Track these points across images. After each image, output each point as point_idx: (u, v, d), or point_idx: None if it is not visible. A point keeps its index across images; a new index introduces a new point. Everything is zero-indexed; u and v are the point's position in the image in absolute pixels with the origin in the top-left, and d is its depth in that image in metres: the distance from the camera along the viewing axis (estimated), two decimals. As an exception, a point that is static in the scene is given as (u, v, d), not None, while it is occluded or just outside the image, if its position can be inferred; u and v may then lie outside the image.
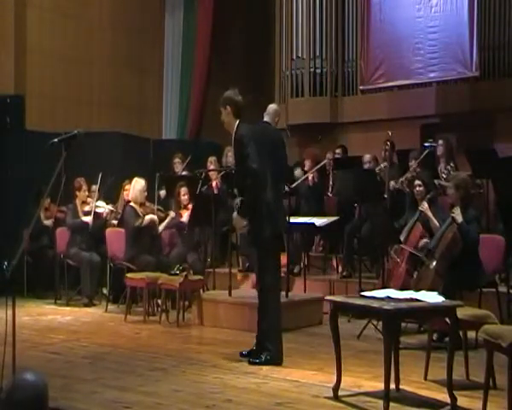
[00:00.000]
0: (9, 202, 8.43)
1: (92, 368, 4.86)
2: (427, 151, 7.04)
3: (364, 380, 4.42)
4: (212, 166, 8.43)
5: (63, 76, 10.15)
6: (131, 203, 7.47)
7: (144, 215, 7.44)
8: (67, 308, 7.53)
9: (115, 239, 7.47)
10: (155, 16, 11.36)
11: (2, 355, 3.38)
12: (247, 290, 7.05)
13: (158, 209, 7.66)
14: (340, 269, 7.59)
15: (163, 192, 8.33)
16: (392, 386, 3.97)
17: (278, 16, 10.50)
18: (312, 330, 6.15)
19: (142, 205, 7.53)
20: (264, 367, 4.78)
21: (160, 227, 7.56)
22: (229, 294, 6.48)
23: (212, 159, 8.58)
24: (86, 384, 4.40)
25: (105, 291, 7.84)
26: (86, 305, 7.60)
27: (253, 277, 6.92)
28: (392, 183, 6.95)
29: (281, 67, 10.37)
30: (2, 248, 7.41)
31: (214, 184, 8.31)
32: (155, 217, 7.44)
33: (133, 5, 11.02)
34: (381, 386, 3.83)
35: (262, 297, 4.94)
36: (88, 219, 7.82)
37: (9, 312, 3.46)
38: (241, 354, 5.02)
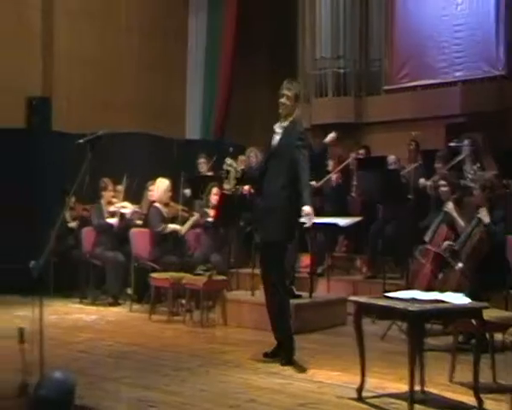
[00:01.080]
0: (36, 203, 8.53)
1: (117, 367, 4.90)
2: (461, 157, 6.90)
3: (389, 382, 4.39)
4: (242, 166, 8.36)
5: (89, 78, 10.27)
6: (156, 204, 7.52)
7: (169, 216, 7.48)
8: (93, 307, 7.60)
9: (140, 239, 7.52)
10: (180, 18, 11.43)
11: (30, 353, 3.44)
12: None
13: (182, 209, 7.70)
14: (364, 270, 7.56)
15: (187, 192, 8.36)
16: (417, 388, 3.94)
17: (301, 16, 10.50)
18: (336, 330, 6.13)
19: (166, 205, 7.58)
20: (288, 368, 4.78)
21: (184, 228, 7.59)
22: (252, 294, 6.49)
23: (241, 158, 8.52)
24: (112, 383, 4.44)
25: (130, 291, 7.89)
26: (111, 304, 7.67)
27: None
28: (421, 180, 6.88)
29: (304, 67, 10.36)
30: (30, 248, 7.53)
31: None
32: (179, 227, 7.46)
33: (158, 8, 11.11)
34: (405, 388, 3.81)
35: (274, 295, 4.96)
36: (113, 220, 7.89)
37: (37, 310, 3.51)
38: (265, 355, 5.02)
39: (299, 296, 6.27)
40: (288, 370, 4.75)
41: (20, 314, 6.58)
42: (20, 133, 8.84)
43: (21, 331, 3.49)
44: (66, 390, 2.76)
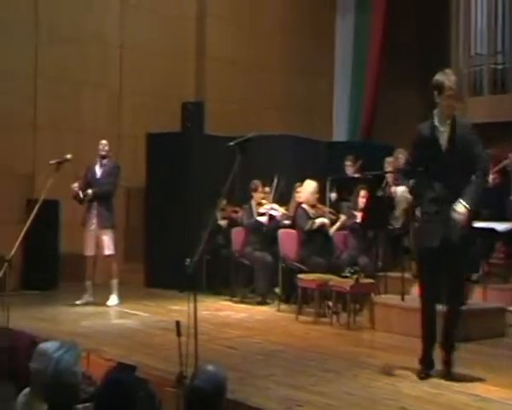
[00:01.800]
0: (191, 204, 8.91)
1: (265, 364, 4.99)
2: None
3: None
4: (389, 168, 8.23)
5: (238, 82, 10.59)
6: (303, 205, 7.57)
7: (316, 217, 7.50)
8: (242, 305, 7.78)
9: (287, 240, 7.61)
10: (326, 18, 11.44)
11: (185, 346, 3.60)
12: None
13: (329, 212, 7.68)
14: (523, 278, 7.09)
15: (334, 195, 8.33)
16: None
17: (455, 12, 10.07)
18: (494, 342, 5.78)
19: (313, 207, 7.61)
20: (438, 376, 4.58)
21: (332, 229, 7.57)
22: (402, 299, 6.32)
23: (388, 160, 8.35)
24: (260, 380, 4.52)
25: (277, 290, 8.02)
26: (259, 303, 7.82)
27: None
28: None
29: (458, 64, 9.92)
30: (185, 246, 7.90)
31: (393, 188, 8.08)
32: (326, 220, 7.45)
33: (304, 8, 11.20)
34: None
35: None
36: (263, 219, 8.04)
37: (191, 306, 3.66)
38: (423, 363, 4.71)
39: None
40: (439, 379, 4.55)
41: (175, 308, 6.96)
42: (176, 137, 9.28)
43: (178, 325, 3.66)
44: (219, 383, 2.85)
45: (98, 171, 7.64)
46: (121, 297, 7.56)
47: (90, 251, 7.54)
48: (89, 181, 7.59)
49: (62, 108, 9.16)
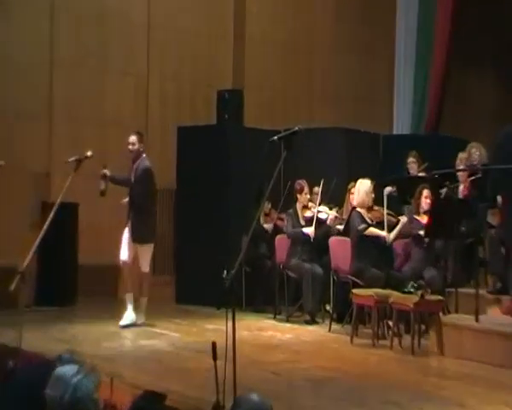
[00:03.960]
0: (228, 207, 8.94)
1: (314, 394, 4.95)
2: None
3: None
4: (461, 166, 8.09)
5: (282, 67, 10.59)
6: (358, 208, 7.50)
7: (373, 221, 7.41)
8: (287, 325, 7.77)
9: (339, 249, 7.55)
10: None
11: (223, 370, 3.58)
12: (498, 316, 6.70)
13: (388, 214, 7.58)
14: None
15: (389, 189, 8.14)
16: None
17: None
18: None
19: (369, 210, 7.52)
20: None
21: (391, 235, 7.48)
22: (476, 319, 6.20)
23: (462, 156, 8.16)
24: (309, 412, 4.50)
25: (328, 308, 7.95)
26: (308, 322, 7.79)
27: (506, 301, 6.56)
28: None
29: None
30: (222, 254, 7.94)
31: (462, 187, 7.95)
32: (383, 233, 7.34)
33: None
34: None
35: None
36: (309, 229, 7.97)
37: (229, 325, 3.63)
38: None
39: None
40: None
41: (211, 328, 6.98)
42: (211, 130, 9.32)
43: (214, 347, 3.64)
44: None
45: (132, 174, 7.42)
46: (148, 315, 7.60)
47: (124, 255, 7.39)
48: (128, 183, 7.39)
49: (82, 98, 9.29)
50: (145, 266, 7.50)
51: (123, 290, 7.66)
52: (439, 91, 10.68)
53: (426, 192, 7.49)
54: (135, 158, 7.43)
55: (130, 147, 7.40)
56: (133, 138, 7.42)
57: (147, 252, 7.49)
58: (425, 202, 7.47)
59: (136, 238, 7.37)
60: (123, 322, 7.32)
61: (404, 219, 7.57)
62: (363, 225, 7.33)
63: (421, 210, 7.48)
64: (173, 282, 9.38)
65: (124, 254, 7.41)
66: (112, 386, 4.64)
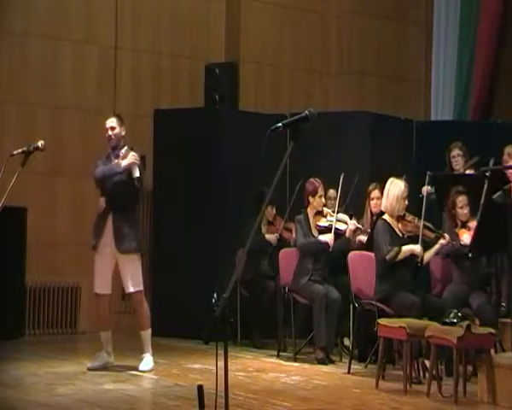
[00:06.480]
0: (220, 213, 9.00)
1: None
2: None
3: None
4: (510, 162, 8.14)
5: (289, 34, 10.59)
6: (385, 216, 7.49)
7: (405, 235, 7.41)
8: (295, 364, 7.78)
9: (361, 267, 7.57)
10: None
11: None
12: None
13: (425, 227, 7.58)
14: None
15: (428, 188, 8.16)
16: None
17: None
18: None
19: (400, 219, 7.50)
20: None
21: (426, 256, 7.49)
22: (538, 358, 6.23)
23: (510, 150, 8.26)
24: None
25: (347, 343, 7.95)
26: (320, 361, 7.78)
27: None
28: None
29: None
30: (211, 276, 7.94)
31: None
32: (419, 249, 7.33)
33: None
34: None
35: None
36: (328, 236, 7.96)
37: (220, 363, 3.62)
38: None
39: None
40: None
41: (196, 367, 7.02)
42: (197, 115, 9.35)
43: (201, 392, 3.62)
44: None
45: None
46: (116, 350, 7.57)
47: (104, 287, 7.30)
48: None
49: (31, 74, 9.27)
50: (139, 283, 7.29)
51: (97, 326, 7.60)
52: (487, 72, 10.81)
53: (462, 200, 7.49)
54: (115, 146, 7.38)
55: (110, 132, 7.35)
56: (113, 121, 7.39)
57: (136, 264, 7.30)
58: (462, 213, 7.47)
59: (125, 246, 7.20)
60: (91, 364, 7.29)
61: (445, 236, 7.51)
62: (391, 253, 7.28)
63: (460, 221, 7.48)
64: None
65: (103, 285, 7.29)
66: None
